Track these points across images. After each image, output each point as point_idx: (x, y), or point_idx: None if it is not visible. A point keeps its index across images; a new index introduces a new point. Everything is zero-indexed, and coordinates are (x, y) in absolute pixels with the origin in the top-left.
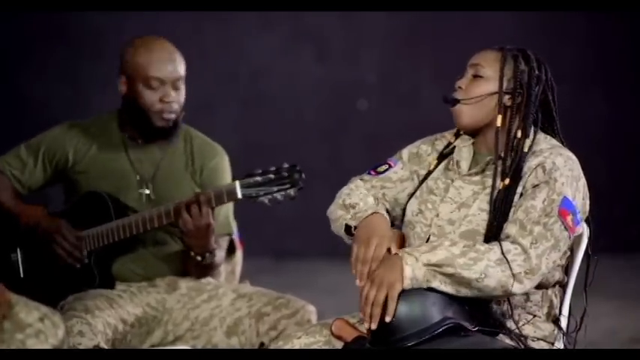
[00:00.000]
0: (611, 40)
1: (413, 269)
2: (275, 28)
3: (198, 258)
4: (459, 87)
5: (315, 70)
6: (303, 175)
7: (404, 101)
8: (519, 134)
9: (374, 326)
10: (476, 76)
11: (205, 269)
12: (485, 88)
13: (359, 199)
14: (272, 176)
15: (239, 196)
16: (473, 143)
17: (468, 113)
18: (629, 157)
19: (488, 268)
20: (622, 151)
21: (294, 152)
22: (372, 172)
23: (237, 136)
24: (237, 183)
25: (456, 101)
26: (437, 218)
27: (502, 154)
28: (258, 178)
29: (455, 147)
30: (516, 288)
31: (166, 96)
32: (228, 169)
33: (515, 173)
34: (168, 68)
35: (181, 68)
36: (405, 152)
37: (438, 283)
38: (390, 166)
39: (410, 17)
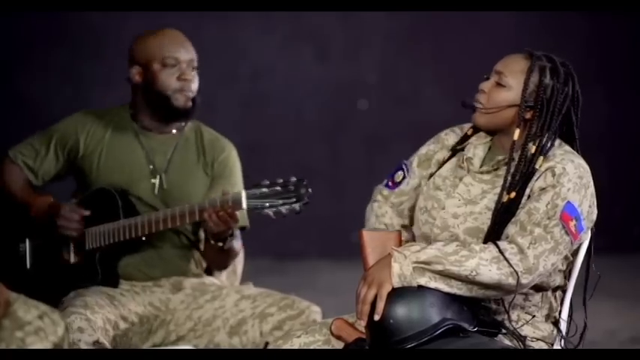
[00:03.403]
0: (612, 40)
1: (401, 266)
2: (275, 28)
3: (220, 244)
4: (482, 90)
5: (315, 70)
6: (310, 190)
7: (404, 101)
8: (533, 149)
9: (363, 323)
10: (499, 84)
11: (226, 256)
12: (506, 98)
13: (376, 221)
14: (279, 189)
15: (244, 206)
16: (489, 142)
17: (485, 119)
18: (630, 156)
19: (480, 266)
20: (622, 151)
21: (294, 152)
22: (390, 184)
23: (238, 136)
24: (244, 193)
25: (474, 108)
26: (443, 211)
27: (514, 168)
28: (265, 190)
29: (468, 143)
30: (512, 287)
31: (184, 74)
32: (237, 163)
33: (522, 187)
34: (182, 49)
35: (194, 54)
36: (415, 159)
37: (427, 279)
38: (404, 174)
39: (410, 17)
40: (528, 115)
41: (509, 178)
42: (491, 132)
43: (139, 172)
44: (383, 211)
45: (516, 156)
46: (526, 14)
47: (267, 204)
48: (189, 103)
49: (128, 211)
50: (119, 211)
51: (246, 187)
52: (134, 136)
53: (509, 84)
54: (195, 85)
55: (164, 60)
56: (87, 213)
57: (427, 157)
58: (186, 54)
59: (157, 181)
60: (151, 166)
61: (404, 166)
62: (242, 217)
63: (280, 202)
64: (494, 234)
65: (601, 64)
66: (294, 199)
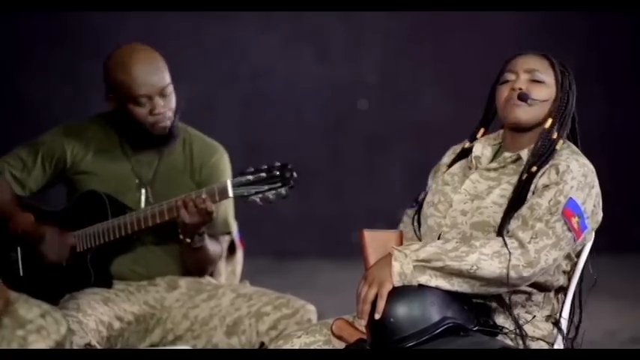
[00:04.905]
0: (612, 40)
1: (401, 265)
2: (275, 28)
3: (188, 240)
4: (519, 88)
5: (315, 70)
6: (295, 174)
7: (404, 101)
8: (555, 135)
9: (364, 323)
10: (535, 81)
11: (198, 257)
12: (548, 93)
13: None
14: (263, 175)
15: (230, 194)
16: (498, 144)
17: (530, 113)
18: (630, 156)
19: (480, 261)
20: (622, 151)
21: (294, 152)
22: (415, 204)
23: (238, 136)
24: (229, 182)
25: (528, 99)
26: (451, 209)
27: (536, 152)
28: (250, 177)
29: (476, 142)
30: (514, 280)
31: (155, 108)
32: (227, 167)
33: (541, 165)
34: (152, 81)
35: (165, 75)
36: (431, 173)
37: (428, 277)
38: (425, 193)
39: (410, 17)
40: (554, 107)
41: (530, 158)
42: (521, 129)
43: (125, 184)
44: (407, 229)
45: (541, 141)
46: (526, 14)
47: (254, 191)
48: (167, 131)
49: (116, 212)
50: (107, 211)
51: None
52: (119, 148)
53: (545, 80)
54: (169, 111)
55: (136, 99)
56: (72, 243)
57: (438, 167)
58: (157, 83)
59: (143, 194)
60: (137, 180)
61: (427, 187)
62: (226, 223)
63: (266, 187)
64: (510, 217)
65: (601, 63)
66: (280, 184)
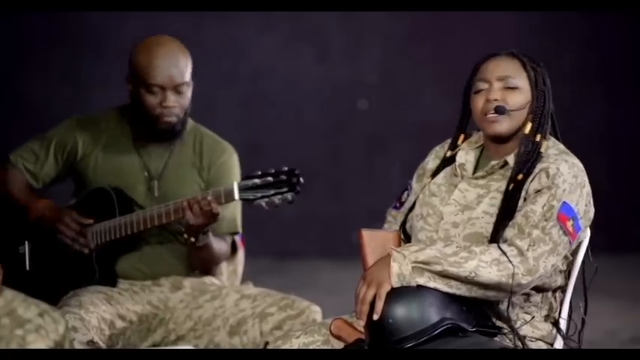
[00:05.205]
0: (612, 40)
1: (400, 266)
2: (275, 28)
3: (192, 239)
4: (495, 99)
5: (315, 70)
6: (302, 180)
7: (404, 101)
8: (538, 138)
9: (362, 323)
10: (509, 88)
11: (203, 255)
12: (523, 98)
13: None
14: (270, 179)
15: (236, 197)
16: (480, 147)
17: (509, 124)
18: (630, 157)
19: (479, 268)
20: (622, 151)
21: (294, 152)
22: (398, 204)
23: (238, 136)
24: (236, 185)
25: (505, 111)
26: (442, 222)
27: (520, 159)
28: (257, 181)
29: (459, 150)
30: (513, 288)
31: (165, 100)
32: (236, 167)
33: (528, 172)
34: (169, 74)
35: (185, 73)
36: (415, 176)
37: (427, 279)
38: (408, 193)
39: (410, 17)
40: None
41: (516, 166)
42: (500, 139)
43: (134, 177)
44: (393, 229)
45: (524, 146)
46: (526, 14)
47: (260, 195)
48: (171, 127)
49: (124, 209)
50: (115, 208)
51: (238, 179)
52: (131, 142)
53: (519, 85)
54: (179, 108)
55: (149, 86)
56: (89, 222)
57: (423, 169)
58: (174, 78)
59: (151, 187)
60: (146, 173)
61: (408, 186)
62: (234, 223)
63: (272, 192)
64: (502, 229)
65: (601, 64)
66: (286, 189)
